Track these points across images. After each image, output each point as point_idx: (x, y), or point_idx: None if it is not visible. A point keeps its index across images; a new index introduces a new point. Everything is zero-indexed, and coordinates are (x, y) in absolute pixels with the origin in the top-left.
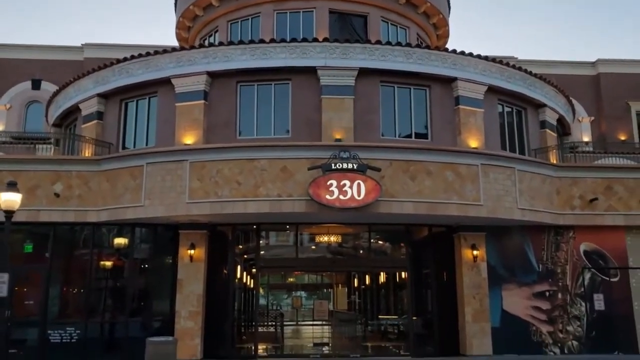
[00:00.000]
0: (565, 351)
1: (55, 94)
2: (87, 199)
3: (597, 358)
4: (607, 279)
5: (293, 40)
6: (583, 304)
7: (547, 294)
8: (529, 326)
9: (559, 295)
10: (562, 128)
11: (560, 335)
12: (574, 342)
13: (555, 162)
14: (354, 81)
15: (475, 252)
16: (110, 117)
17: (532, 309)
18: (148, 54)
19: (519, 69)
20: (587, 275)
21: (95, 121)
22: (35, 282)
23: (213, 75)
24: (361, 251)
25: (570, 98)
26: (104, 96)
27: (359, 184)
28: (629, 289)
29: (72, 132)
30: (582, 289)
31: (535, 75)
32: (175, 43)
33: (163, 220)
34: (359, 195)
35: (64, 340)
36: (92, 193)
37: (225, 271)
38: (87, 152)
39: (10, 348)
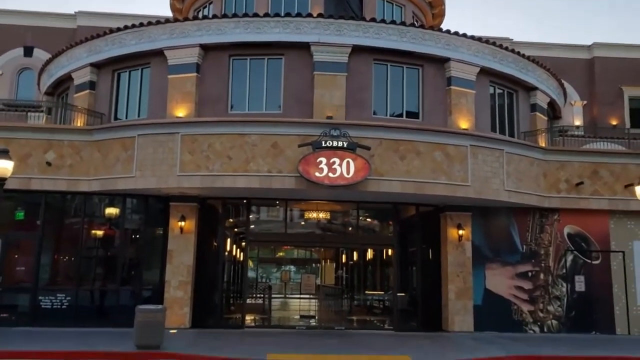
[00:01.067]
0: (545, 330)
1: (48, 62)
2: (79, 169)
3: (575, 337)
4: (589, 261)
5: (287, 15)
6: (564, 284)
7: (530, 274)
8: (510, 305)
9: (541, 276)
10: (553, 111)
11: (541, 315)
12: (553, 321)
13: (544, 145)
14: (347, 58)
15: (460, 232)
16: (103, 87)
17: (515, 288)
18: (141, 24)
19: (512, 51)
20: (570, 257)
21: (87, 91)
22: (26, 249)
23: (206, 48)
24: (349, 228)
25: (563, 81)
26: (97, 66)
27: (348, 162)
28: (610, 272)
29: (65, 101)
30: (564, 271)
31: (528, 58)
32: (169, 13)
33: (154, 192)
34: (348, 174)
35: (54, 307)
36: (83, 163)
37: (215, 244)
38: (79, 121)
39: (1, 313)
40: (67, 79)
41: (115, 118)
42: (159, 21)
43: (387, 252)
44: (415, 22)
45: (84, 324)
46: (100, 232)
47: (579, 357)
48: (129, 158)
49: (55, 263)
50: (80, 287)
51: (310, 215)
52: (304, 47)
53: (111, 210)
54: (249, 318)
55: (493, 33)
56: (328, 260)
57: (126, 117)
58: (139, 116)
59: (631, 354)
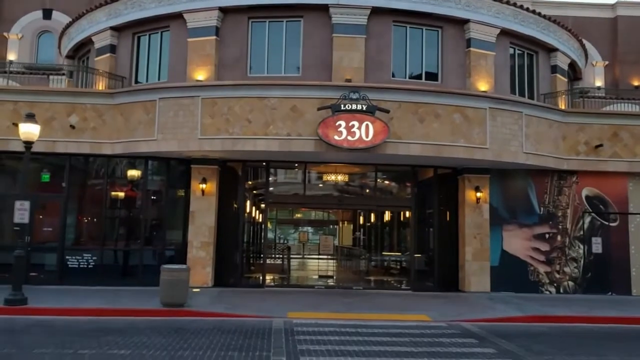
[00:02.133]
0: (561, 291)
1: (68, 25)
2: (102, 132)
3: (591, 298)
4: (607, 223)
5: None
6: (581, 246)
7: (547, 236)
8: (527, 266)
9: (558, 238)
10: (574, 73)
11: (557, 276)
12: (569, 282)
13: (563, 107)
14: (366, 20)
15: (478, 194)
16: (123, 50)
17: (532, 249)
18: None
19: (533, 12)
20: (587, 219)
21: (108, 54)
22: (53, 210)
23: (225, 11)
24: (367, 190)
25: (585, 41)
26: (117, 29)
27: (367, 125)
28: (627, 234)
29: (86, 65)
30: (582, 232)
31: (549, 18)
32: None
33: (175, 155)
34: (367, 137)
35: (81, 266)
36: (106, 126)
37: (235, 205)
38: (101, 85)
39: (31, 271)
40: (87, 42)
41: (136, 81)
42: None
43: (404, 214)
44: None
45: (109, 282)
46: (123, 194)
47: (594, 317)
48: (150, 121)
49: (80, 224)
50: (105, 247)
51: (328, 177)
52: (323, 8)
53: (133, 172)
54: (269, 277)
55: None
56: (346, 222)
57: (147, 81)
58: (159, 79)
59: None
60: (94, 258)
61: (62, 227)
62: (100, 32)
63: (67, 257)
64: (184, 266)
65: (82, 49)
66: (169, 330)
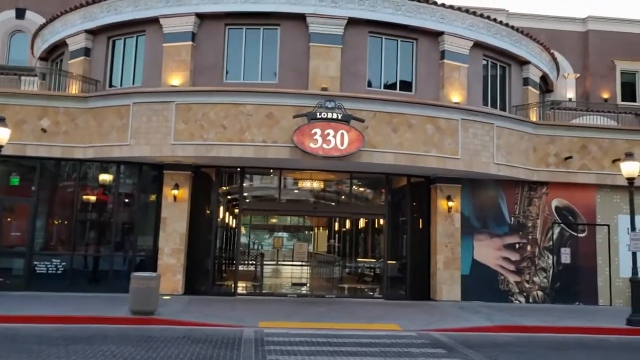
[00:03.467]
0: (530, 300)
1: (42, 27)
2: (74, 136)
3: (559, 308)
4: (575, 234)
5: None
6: (550, 256)
7: (517, 246)
8: (497, 275)
9: (528, 248)
10: (545, 85)
11: (527, 285)
12: (539, 292)
13: (534, 119)
14: (342, 30)
15: (450, 203)
16: (98, 54)
17: (502, 259)
18: None
19: (506, 25)
20: (557, 230)
21: (82, 57)
22: (21, 214)
23: (202, 17)
24: (342, 197)
25: (557, 54)
26: (92, 32)
27: (342, 134)
28: (595, 245)
29: (59, 67)
30: (551, 243)
31: (521, 32)
32: None
33: (148, 160)
34: (342, 145)
35: (49, 271)
36: (78, 130)
37: (208, 211)
38: (74, 88)
39: None
40: (61, 44)
41: (110, 85)
42: None
43: (378, 221)
44: None
45: (78, 288)
46: (94, 198)
47: (562, 327)
48: (123, 126)
49: (49, 228)
50: (74, 252)
51: (303, 184)
52: (300, 18)
53: (105, 177)
54: (241, 285)
55: (489, 3)
56: (321, 228)
57: (121, 85)
58: (133, 84)
59: (611, 325)
60: (63, 263)
61: (30, 231)
62: (75, 34)
63: (35, 262)
64: (154, 274)
65: (55, 51)
66: (138, 339)
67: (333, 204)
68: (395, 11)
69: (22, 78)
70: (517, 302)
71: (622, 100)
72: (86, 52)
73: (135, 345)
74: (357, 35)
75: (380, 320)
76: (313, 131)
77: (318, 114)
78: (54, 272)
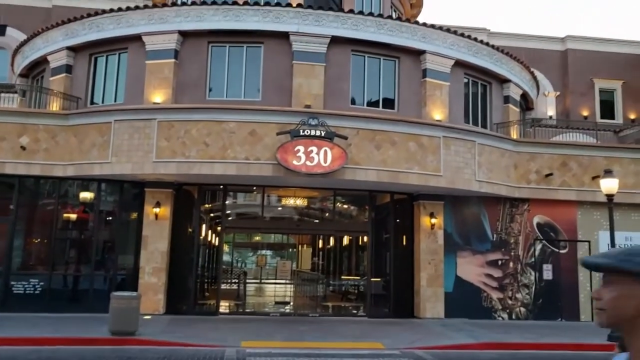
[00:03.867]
0: (513, 317)
1: (23, 43)
2: (54, 153)
3: (542, 324)
4: (557, 250)
5: (267, 4)
6: (532, 273)
7: (500, 262)
8: (480, 292)
9: (511, 264)
10: (526, 103)
11: (510, 302)
12: (521, 308)
13: (515, 137)
14: (325, 48)
15: (433, 220)
16: (79, 71)
17: (485, 276)
18: (120, 9)
19: (487, 44)
20: (538, 247)
21: (63, 74)
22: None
23: (185, 35)
24: (326, 214)
25: (537, 73)
26: (73, 49)
27: (325, 151)
28: (576, 261)
29: (40, 84)
30: (533, 259)
31: (502, 51)
32: None
33: (130, 178)
34: (325, 162)
35: (27, 292)
36: (59, 147)
37: (190, 229)
38: (55, 105)
39: None
40: (42, 61)
41: (92, 102)
42: (137, 6)
43: (362, 238)
44: (394, 13)
45: (57, 309)
46: (74, 217)
47: (544, 344)
48: (105, 143)
49: (28, 247)
50: (53, 272)
51: (287, 201)
52: (283, 36)
53: (86, 195)
54: (223, 304)
55: (470, 23)
56: (304, 246)
57: (102, 102)
58: (115, 101)
59: (593, 341)
60: (41, 283)
61: (8, 250)
62: (56, 51)
63: (12, 282)
64: (134, 293)
65: (36, 68)
66: None
67: (317, 221)
68: (377, 30)
69: (2, 95)
70: (500, 318)
71: (601, 117)
72: (67, 69)
73: None
74: (340, 53)
75: (364, 338)
76: (296, 148)
77: (301, 131)
78: (31, 292)
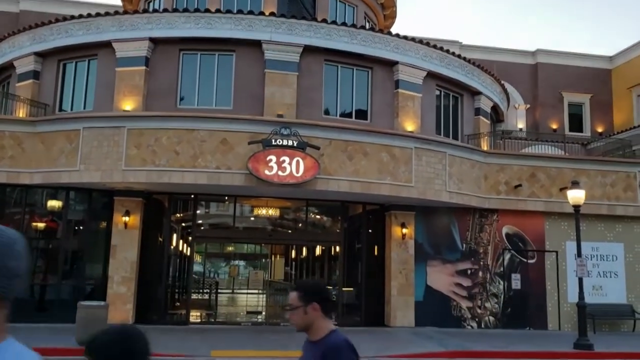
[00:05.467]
0: (482, 326)
1: None
2: (21, 161)
3: (510, 333)
4: (525, 260)
5: (239, 12)
6: (501, 282)
7: (469, 272)
8: (450, 301)
9: (480, 274)
10: (496, 115)
11: (479, 311)
12: (490, 317)
13: (486, 148)
14: (298, 57)
15: (404, 230)
16: (48, 77)
17: (454, 285)
18: (89, 15)
19: (459, 56)
20: (507, 256)
21: (31, 80)
22: None
23: (156, 42)
24: (299, 225)
25: (508, 85)
26: (41, 55)
27: (298, 161)
28: (544, 270)
29: (6, 90)
30: (502, 269)
31: (473, 63)
32: (118, 3)
33: (98, 186)
34: (297, 172)
35: None
36: (25, 154)
37: (160, 239)
38: (22, 112)
39: None
40: (9, 66)
41: (60, 109)
42: (107, 12)
43: (335, 248)
44: (367, 23)
45: (23, 319)
46: (41, 225)
47: (512, 352)
48: (73, 151)
49: None
50: None
51: (259, 211)
52: (256, 44)
53: (53, 203)
54: (194, 314)
55: (443, 35)
56: (277, 256)
57: (71, 109)
58: (84, 108)
59: (559, 349)
60: None
61: None
62: (23, 57)
63: None
64: (102, 303)
65: (2, 73)
66: None
67: (289, 231)
68: (350, 40)
69: None
70: (469, 327)
71: (570, 130)
72: (35, 75)
73: None
74: (313, 62)
75: None
76: (268, 158)
77: (273, 140)
78: None
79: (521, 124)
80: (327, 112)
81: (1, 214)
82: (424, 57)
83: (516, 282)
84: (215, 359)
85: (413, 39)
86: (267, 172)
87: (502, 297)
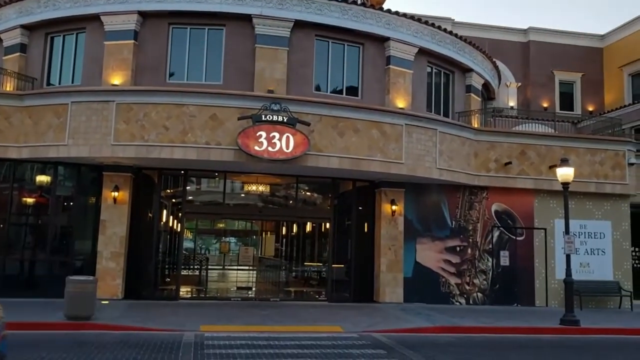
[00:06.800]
0: (471, 302)
1: None
2: (8, 135)
3: (498, 309)
4: (514, 237)
5: None
6: (490, 259)
7: (458, 248)
8: (439, 278)
9: (469, 251)
10: (488, 93)
11: (467, 287)
12: (478, 294)
13: (476, 126)
14: (289, 33)
15: (394, 207)
16: (35, 50)
17: (443, 262)
18: None
19: (450, 33)
20: (496, 234)
21: (18, 54)
22: None
23: (145, 15)
24: (290, 201)
25: (500, 63)
26: (28, 28)
27: (288, 137)
28: (532, 248)
29: None
30: (491, 246)
31: (465, 40)
32: None
33: (87, 161)
34: (287, 148)
35: None
36: (13, 129)
37: (150, 214)
38: (9, 85)
39: None
40: None
41: (48, 83)
42: None
43: (325, 225)
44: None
45: (12, 294)
46: (30, 200)
47: (500, 328)
48: (61, 125)
49: None
50: (9, 256)
51: (249, 187)
52: (246, 19)
53: (42, 178)
54: (184, 290)
55: (436, 12)
56: (268, 232)
57: (59, 83)
58: (72, 82)
59: (546, 324)
60: None
61: None
62: (10, 29)
63: None
64: (90, 277)
65: None
66: (71, 344)
67: (280, 208)
68: (341, 15)
69: None
70: (457, 303)
71: (561, 109)
72: (22, 48)
73: (67, 350)
74: (304, 38)
75: (323, 322)
76: (258, 134)
77: (263, 116)
78: None
79: (512, 102)
80: (317, 88)
81: None
82: (416, 33)
83: (505, 259)
84: (205, 334)
85: (404, 15)
86: (257, 147)
87: (491, 273)
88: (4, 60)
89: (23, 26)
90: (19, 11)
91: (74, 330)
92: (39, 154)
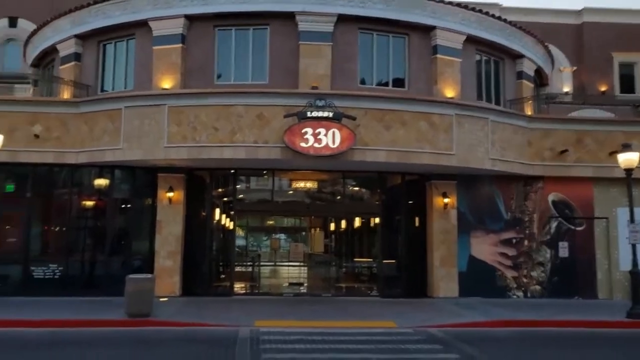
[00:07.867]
0: (528, 295)
1: (32, 34)
2: (66, 141)
3: (557, 302)
4: (573, 227)
5: None
6: (548, 250)
7: (514, 241)
8: (494, 271)
9: (525, 243)
10: (540, 79)
11: (524, 280)
12: (536, 286)
13: (530, 113)
14: (332, 27)
15: (446, 200)
16: (88, 58)
17: (499, 255)
18: None
19: (499, 18)
20: (554, 224)
21: (73, 62)
22: (17, 221)
23: (191, 19)
24: (337, 197)
25: (552, 47)
26: (82, 37)
27: (333, 132)
28: (593, 238)
29: (50, 73)
30: (548, 237)
31: (514, 25)
32: None
33: (141, 164)
34: (333, 144)
35: (46, 277)
36: (70, 135)
37: (203, 213)
38: (66, 93)
39: None
40: (52, 50)
41: (102, 90)
42: None
43: (374, 220)
44: None
45: (75, 293)
46: (89, 203)
47: (559, 321)
48: (115, 130)
49: (45, 234)
50: (70, 258)
51: (297, 184)
52: (289, 16)
53: (100, 182)
54: (237, 286)
55: None
56: (317, 229)
57: (112, 89)
58: (125, 88)
59: (611, 318)
60: (60, 268)
61: (26, 237)
62: (65, 40)
63: (32, 267)
64: (149, 275)
65: (46, 57)
66: (132, 341)
67: (327, 204)
68: (385, 7)
69: (16, 86)
70: (515, 297)
71: (621, 92)
72: (77, 57)
73: (129, 347)
74: (348, 32)
75: (376, 317)
76: (304, 130)
77: (308, 113)
78: (51, 277)
79: (567, 88)
80: (363, 82)
81: (50, 193)
82: (463, 21)
83: (563, 250)
84: (259, 329)
85: (450, 3)
86: (303, 144)
87: (549, 265)
88: (61, 69)
89: (77, 36)
90: (73, 22)
91: (133, 327)
92: (95, 159)
